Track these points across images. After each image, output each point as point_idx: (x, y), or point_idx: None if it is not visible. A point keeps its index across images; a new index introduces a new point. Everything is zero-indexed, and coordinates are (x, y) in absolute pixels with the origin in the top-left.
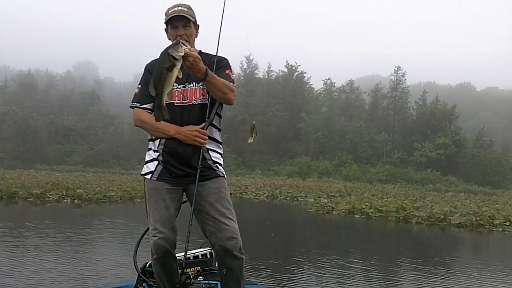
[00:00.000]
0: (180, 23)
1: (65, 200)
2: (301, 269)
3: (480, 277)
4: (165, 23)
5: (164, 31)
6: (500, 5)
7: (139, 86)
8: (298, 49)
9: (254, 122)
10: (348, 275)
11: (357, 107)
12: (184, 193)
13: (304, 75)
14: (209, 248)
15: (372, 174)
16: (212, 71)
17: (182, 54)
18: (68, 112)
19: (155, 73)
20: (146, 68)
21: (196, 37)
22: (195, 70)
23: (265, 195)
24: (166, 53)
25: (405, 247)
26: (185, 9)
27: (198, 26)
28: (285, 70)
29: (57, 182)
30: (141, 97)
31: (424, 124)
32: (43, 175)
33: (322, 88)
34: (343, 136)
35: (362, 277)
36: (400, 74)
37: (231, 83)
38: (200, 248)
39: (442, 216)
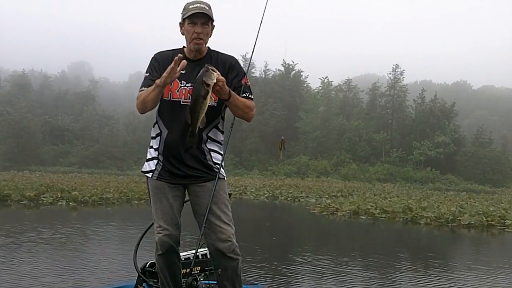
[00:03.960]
0: (200, 20)
1: (60, 203)
2: (305, 271)
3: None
4: (183, 18)
5: (179, 25)
6: (495, 3)
7: (147, 74)
8: (294, 48)
9: (282, 138)
10: (349, 279)
11: (355, 106)
12: (186, 191)
13: (301, 73)
14: None
15: (371, 173)
16: (225, 71)
17: (215, 81)
18: (63, 113)
19: (191, 101)
20: (154, 57)
21: (210, 36)
22: (222, 93)
23: (265, 195)
24: (201, 81)
25: (420, 251)
26: (206, 7)
27: (214, 26)
28: (282, 69)
29: (52, 184)
30: (147, 82)
31: (423, 123)
32: (37, 177)
33: (320, 86)
34: (342, 135)
35: (365, 280)
36: (398, 72)
37: (250, 95)
38: (200, 248)
39: (451, 217)
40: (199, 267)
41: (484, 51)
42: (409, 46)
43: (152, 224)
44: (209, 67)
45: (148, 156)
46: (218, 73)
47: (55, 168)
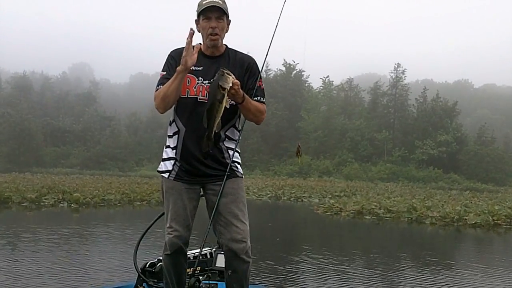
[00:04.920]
0: (214, 15)
1: (62, 205)
2: (307, 271)
3: None
4: (197, 14)
5: (195, 22)
6: (495, 2)
7: (163, 72)
8: (295, 48)
9: (299, 144)
10: (352, 279)
11: (357, 105)
12: (201, 190)
13: (303, 73)
14: (209, 248)
15: (373, 172)
16: (242, 71)
17: (230, 84)
18: (64, 114)
19: (207, 105)
20: (170, 55)
21: (226, 32)
22: (237, 96)
23: (268, 195)
24: (217, 85)
25: (425, 251)
26: (220, 1)
27: (230, 21)
28: (283, 68)
29: (53, 185)
30: (164, 81)
31: (425, 122)
32: (39, 179)
33: (321, 86)
34: (343, 135)
35: (368, 281)
36: (400, 71)
37: (263, 98)
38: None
39: (457, 216)
40: (199, 267)
41: (485, 49)
42: (410, 45)
43: (152, 225)
44: (225, 70)
45: (165, 156)
46: (233, 76)
47: (56, 170)
